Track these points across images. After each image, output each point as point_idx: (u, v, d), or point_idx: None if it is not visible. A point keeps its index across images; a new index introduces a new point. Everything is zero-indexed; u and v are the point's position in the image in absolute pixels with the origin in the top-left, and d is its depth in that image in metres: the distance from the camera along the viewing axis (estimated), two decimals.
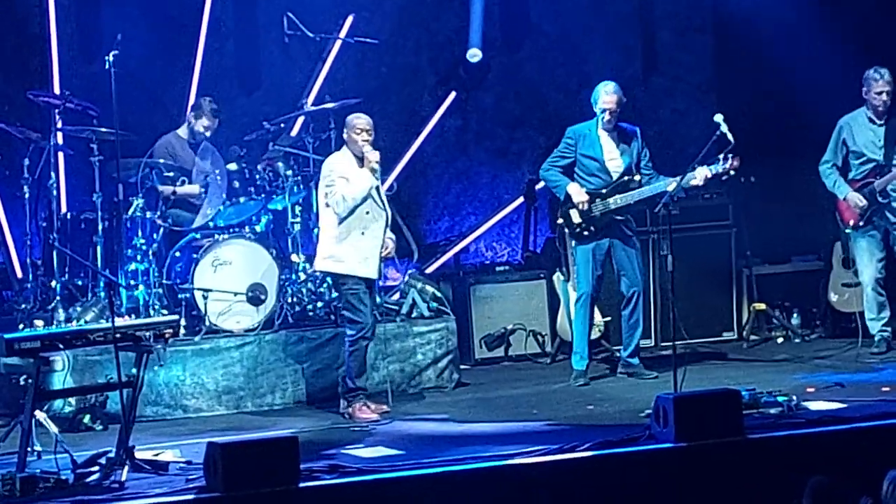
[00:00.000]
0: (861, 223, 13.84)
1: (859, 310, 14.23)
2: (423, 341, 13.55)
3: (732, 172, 13.13)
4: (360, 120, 12.45)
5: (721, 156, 12.98)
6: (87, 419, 12.29)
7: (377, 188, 12.36)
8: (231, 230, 13.46)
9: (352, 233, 12.35)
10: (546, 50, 16.26)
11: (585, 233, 13.32)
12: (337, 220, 12.34)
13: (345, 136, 12.47)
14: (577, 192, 13.26)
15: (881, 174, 13.69)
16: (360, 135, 12.37)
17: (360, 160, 12.38)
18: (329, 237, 12.48)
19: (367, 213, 12.36)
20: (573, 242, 13.51)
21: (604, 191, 13.30)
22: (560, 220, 13.64)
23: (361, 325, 12.41)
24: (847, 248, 14.35)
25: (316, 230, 13.67)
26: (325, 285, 13.65)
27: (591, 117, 13.48)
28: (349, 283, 12.41)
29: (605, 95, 13.28)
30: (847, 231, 14.13)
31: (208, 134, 13.73)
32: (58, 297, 13.10)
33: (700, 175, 13.03)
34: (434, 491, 10.22)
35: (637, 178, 13.34)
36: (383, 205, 12.47)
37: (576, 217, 13.31)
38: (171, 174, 13.36)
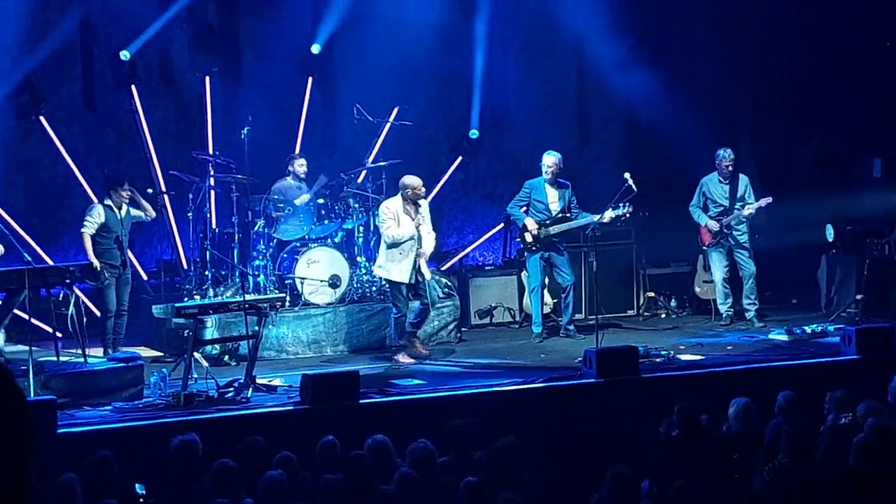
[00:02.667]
0: (713, 242, 13.88)
1: (713, 297, 14.25)
2: (439, 313, 13.40)
3: (628, 216, 13.22)
4: (418, 181, 12.44)
5: (621, 204, 13.04)
6: (226, 358, 12.28)
7: (417, 226, 12.35)
8: (319, 241, 13.43)
9: (395, 253, 12.33)
10: (518, 130, 16.18)
11: (534, 248, 13.33)
12: (387, 245, 12.38)
13: (407, 191, 12.36)
14: (531, 223, 13.25)
15: (727, 214, 13.72)
16: (419, 190, 12.39)
17: (412, 204, 12.37)
18: (382, 253, 12.46)
19: (407, 244, 12.32)
20: (526, 254, 13.54)
21: (547, 222, 13.29)
22: (519, 240, 13.73)
23: (400, 308, 12.45)
24: (705, 258, 14.36)
25: (372, 242, 13.75)
26: (377, 277, 13.64)
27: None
28: (392, 283, 12.46)
29: (548, 159, 13.33)
30: (704, 248, 14.16)
31: (304, 169, 13.62)
32: (209, 281, 13.09)
33: (607, 216, 13.09)
34: (444, 406, 10.27)
35: (568, 215, 13.35)
36: (419, 236, 12.40)
37: (529, 238, 13.33)
38: (281, 205, 13.37)
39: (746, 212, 13.68)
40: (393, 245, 12.30)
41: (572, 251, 13.85)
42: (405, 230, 12.28)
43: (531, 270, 13.52)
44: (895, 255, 14.11)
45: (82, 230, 12.27)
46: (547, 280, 13.70)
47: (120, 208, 12.35)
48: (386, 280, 12.63)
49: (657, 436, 9.08)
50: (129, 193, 12.38)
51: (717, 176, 13.84)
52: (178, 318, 11.11)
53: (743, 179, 13.89)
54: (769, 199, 13.75)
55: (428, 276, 12.56)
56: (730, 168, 13.74)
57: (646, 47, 15.57)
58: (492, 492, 7.34)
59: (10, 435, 1.44)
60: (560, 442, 9.00)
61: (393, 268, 12.35)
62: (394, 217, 12.31)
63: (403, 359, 12.33)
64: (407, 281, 12.34)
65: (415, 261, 12.37)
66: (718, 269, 13.95)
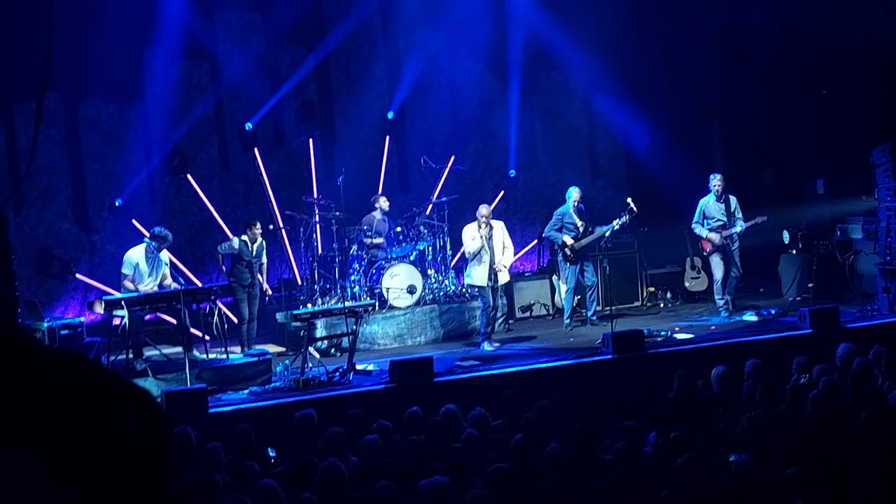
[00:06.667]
0: (713, 250, 13.39)
1: (699, 290, 14.08)
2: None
3: (629, 222, 13.07)
4: (484, 208, 12.37)
5: (622, 215, 12.98)
6: (332, 350, 12.31)
7: (489, 241, 12.28)
8: (399, 259, 13.42)
9: (474, 263, 12.26)
10: (545, 169, 16.19)
11: (573, 257, 13.25)
12: (470, 257, 12.35)
13: (478, 215, 12.30)
14: (568, 240, 13.19)
15: (725, 228, 13.28)
16: (483, 215, 12.30)
17: (483, 226, 12.28)
18: (469, 264, 12.44)
19: (482, 255, 12.24)
20: (567, 264, 13.33)
21: (577, 237, 13.28)
22: (560, 255, 13.47)
23: (485, 303, 12.30)
24: (701, 260, 14.23)
25: (439, 258, 13.74)
26: (445, 283, 13.61)
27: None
28: (476, 286, 12.39)
29: (576, 193, 13.27)
30: (705, 254, 13.72)
31: (387, 206, 13.69)
32: (317, 293, 13.17)
33: (617, 224, 13.04)
34: (497, 382, 10.22)
35: (590, 229, 13.28)
36: (491, 250, 12.31)
37: (568, 251, 13.24)
38: (370, 234, 13.41)
39: (740, 228, 13.29)
40: (472, 257, 12.28)
41: (592, 258, 13.76)
42: (474, 245, 12.25)
43: (569, 276, 13.34)
44: (836, 253, 13.91)
45: (218, 247, 12.54)
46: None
47: (254, 242, 12.46)
48: (471, 284, 12.56)
49: (660, 397, 9.02)
50: (260, 231, 12.50)
51: (713, 197, 13.40)
52: (296, 322, 11.21)
53: (733, 199, 13.53)
54: (764, 218, 13.28)
55: (501, 281, 12.44)
56: (721, 189, 13.33)
57: (638, 101, 15.52)
58: (533, 443, 7.33)
59: (156, 447, 1.43)
60: (584, 404, 8.95)
61: (475, 274, 12.31)
62: (471, 237, 12.30)
63: (488, 345, 12.20)
64: (484, 284, 12.27)
65: (490, 268, 12.28)
66: (718, 269, 13.46)
